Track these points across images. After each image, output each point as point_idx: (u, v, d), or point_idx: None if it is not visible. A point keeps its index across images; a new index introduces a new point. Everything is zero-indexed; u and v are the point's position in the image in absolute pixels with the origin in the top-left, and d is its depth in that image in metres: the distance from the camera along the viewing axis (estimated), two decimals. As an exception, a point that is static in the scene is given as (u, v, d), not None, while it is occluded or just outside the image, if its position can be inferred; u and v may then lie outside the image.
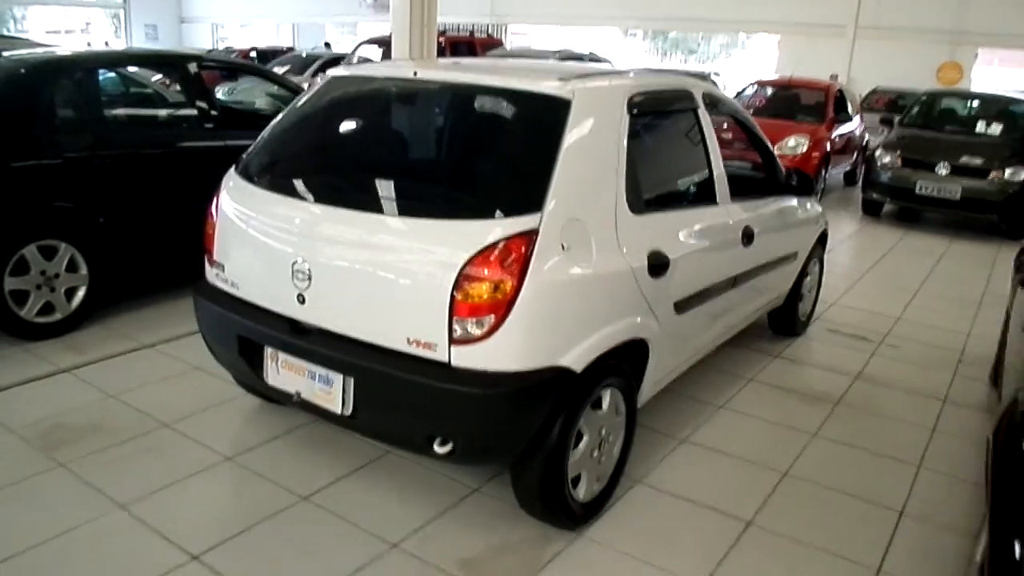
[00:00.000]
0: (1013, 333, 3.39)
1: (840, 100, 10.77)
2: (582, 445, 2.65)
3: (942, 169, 8.32)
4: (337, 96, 3.14)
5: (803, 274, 4.70)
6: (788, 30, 17.72)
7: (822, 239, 4.92)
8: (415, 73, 2.90)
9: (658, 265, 2.81)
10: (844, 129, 10.61)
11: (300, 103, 3.14)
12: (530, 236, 2.32)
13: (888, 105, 14.70)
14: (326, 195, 2.70)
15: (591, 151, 2.61)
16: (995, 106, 9.78)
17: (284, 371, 2.74)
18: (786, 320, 4.81)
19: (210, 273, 3.01)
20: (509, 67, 3.72)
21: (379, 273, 2.46)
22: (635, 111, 2.85)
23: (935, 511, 3.10)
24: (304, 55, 16.36)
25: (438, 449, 2.43)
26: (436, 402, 2.40)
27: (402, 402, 2.47)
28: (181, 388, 3.75)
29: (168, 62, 5.41)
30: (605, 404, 2.72)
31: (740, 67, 23.39)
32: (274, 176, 2.92)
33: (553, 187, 2.40)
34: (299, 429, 3.38)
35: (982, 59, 16.92)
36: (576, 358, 2.47)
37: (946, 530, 2.98)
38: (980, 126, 9.35)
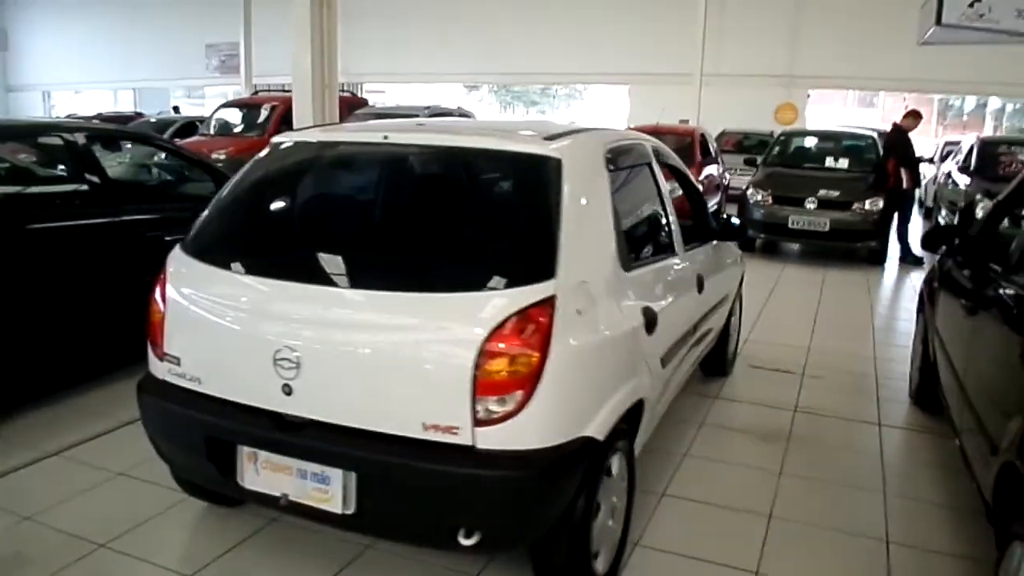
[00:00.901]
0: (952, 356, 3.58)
1: (704, 143, 11.42)
2: (600, 515, 2.52)
3: (810, 204, 8.93)
4: (295, 164, 2.91)
5: (730, 314, 4.83)
6: (638, 80, 18.69)
7: (742, 279, 5.10)
8: (385, 137, 2.73)
9: (650, 321, 2.76)
10: (709, 170, 11.24)
11: (250, 174, 2.88)
12: (549, 304, 2.21)
13: (736, 146, 15.77)
14: (310, 274, 2.45)
15: (586, 210, 2.54)
16: (841, 141, 10.66)
17: (266, 472, 2.44)
18: (717, 361, 4.90)
19: (159, 368, 2.66)
20: (472, 128, 3.61)
21: (386, 355, 2.26)
22: (611, 167, 2.81)
23: (917, 536, 3.18)
24: (154, 120, 15.52)
25: (464, 541, 2.23)
26: (461, 490, 2.21)
27: (420, 494, 2.25)
28: (108, 500, 3.29)
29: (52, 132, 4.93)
30: (615, 470, 2.62)
31: (582, 117, 24.25)
32: (238, 256, 2.63)
33: (561, 250, 2.31)
34: (260, 532, 3.04)
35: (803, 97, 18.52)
36: (599, 426, 2.35)
37: (934, 554, 3.06)
38: (831, 161, 10.13)
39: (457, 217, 2.60)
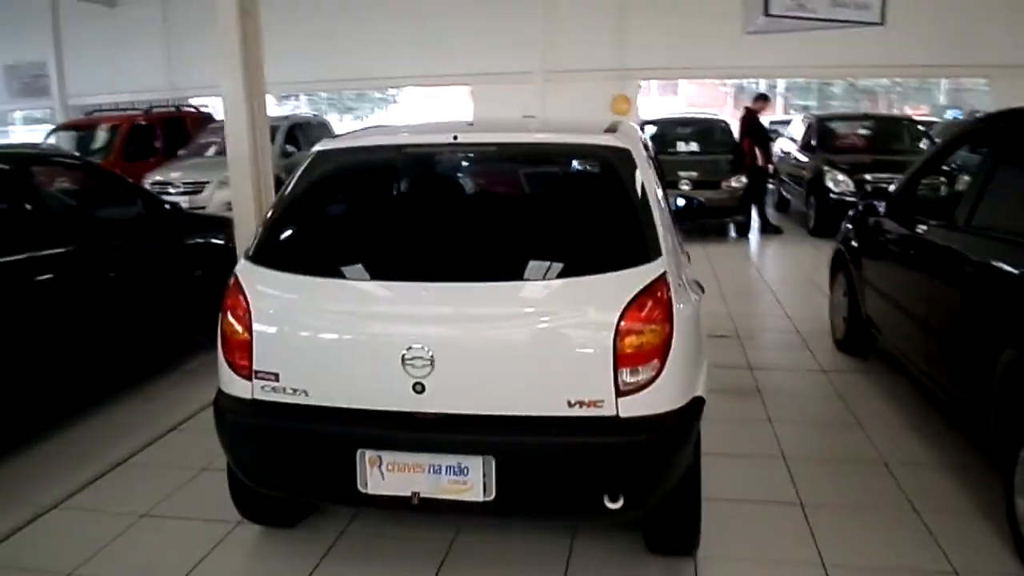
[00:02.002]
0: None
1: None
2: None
3: (684, 185, 9.63)
4: (368, 168, 2.89)
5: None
6: (480, 80, 19.04)
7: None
8: (455, 137, 2.79)
9: (701, 290, 3.03)
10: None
11: (313, 180, 2.83)
12: (664, 280, 2.41)
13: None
14: (430, 273, 2.49)
15: (655, 193, 2.75)
16: (698, 127, 11.53)
17: (392, 474, 2.45)
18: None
19: (243, 387, 2.57)
20: (527, 125, 3.66)
21: (526, 342, 2.36)
22: (649, 156, 3.05)
23: (904, 455, 3.67)
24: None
25: (611, 506, 2.37)
26: (608, 457, 2.36)
27: (566, 467, 2.38)
28: (147, 544, 3.09)
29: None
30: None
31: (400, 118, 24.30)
32: (339, 263, 2.60)
33: (658, 231, 2.52)
34: (336, 546, 3.00)
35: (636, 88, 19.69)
36: (702, 385, 2.59)
37: (924, 467, 3.55)
38: (694, 145, 10.95)
39: (555, 207, 2.73)
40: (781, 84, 33.00)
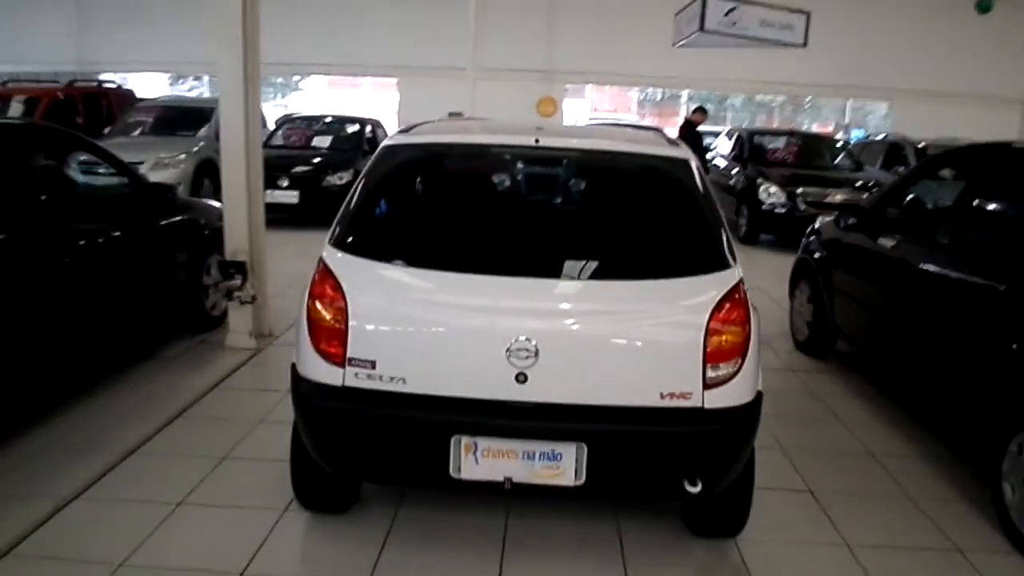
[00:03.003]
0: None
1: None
2: None
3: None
4: (454, 164, 2.98)
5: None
6: (409, 73, 18.96)
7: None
8: (537, 141, 2.92)
9: None
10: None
11: (397, 170, 2.90)
12: (741, 284, 2.65)
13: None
14: (534, 269, 2.61)
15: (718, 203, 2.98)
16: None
17: (487, 460, 2.58)
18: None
19: (333, 374, 2.62)
20: (600, 132, 3.75)
21: (621, 338, 2.53)
22: None
23: (886, 447, 4.07)
24: None
25: (691, 489, 2.58)
26: (693, 445, 2.57)
27: (653, 454, 2.57)
28: (194, 531, 3.08)
29: None
30: None
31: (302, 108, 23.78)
32: (437, 255, 2.69)
33: (730, 239, 2.75)
34: (394, 531, 3.08)
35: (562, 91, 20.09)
36: (760, 381, 2.83)
37: (905, 459, 3.95)
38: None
39: (637, 213, 2.90)
40: (684, 94, 34.43)
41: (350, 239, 2.75)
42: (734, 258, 2.70)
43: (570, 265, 2.66)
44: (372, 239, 2.77)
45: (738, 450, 2.67)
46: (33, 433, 3.85)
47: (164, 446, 3.82)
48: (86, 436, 3.87)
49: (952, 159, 4.90)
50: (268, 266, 5.57)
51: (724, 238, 2.73)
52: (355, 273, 2.65)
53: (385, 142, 3.04)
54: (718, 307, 2.55)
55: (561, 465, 2.56)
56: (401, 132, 3.13)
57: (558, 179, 3.22)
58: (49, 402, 4.12)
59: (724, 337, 2.55)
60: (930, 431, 4.23)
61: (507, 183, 3.20)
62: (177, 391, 4.48)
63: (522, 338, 2.48)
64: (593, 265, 2.67)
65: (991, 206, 3.88)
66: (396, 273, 2.65)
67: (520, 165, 3.19)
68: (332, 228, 2.82)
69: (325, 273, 2.66)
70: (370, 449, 2.67)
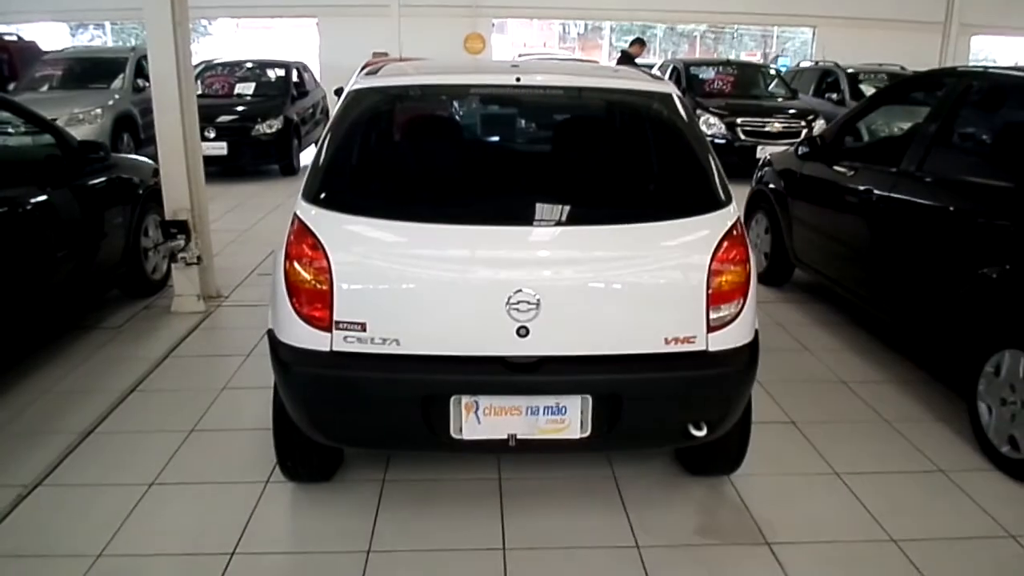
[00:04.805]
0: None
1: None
2: None
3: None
4: (427, 108, 2.78)
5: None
6: (328, 12, 18.14)
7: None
8: (518, 79, 2.73)
9: None
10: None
11: (367, 120, 2.69)
12: (739, 222, 2.57)
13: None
14: (528, 217, 2.47)
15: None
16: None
17: (488, 418, 2.48)
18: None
19: (319, 339, 2.45)
20: (575, 68, 3.55)
21: (624, 284, 2.44)
22: None
23: (862, 374, 4.14)
24: None
25: (696, 433, 2.54)
26: (698, 388, 2.52)
27: (660, 400, 2.52)
28: (175, 512, 2.91)
29: None
30: None
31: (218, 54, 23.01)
32: (424, 207, 2.51)
33: (723, 177, 2.66)
34: (385, 495, 2.97)
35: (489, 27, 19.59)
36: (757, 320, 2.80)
37: (882, 383, 4.03)
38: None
39: (627, 152, 2.77)
40: (606, 27, 34.15)
41: (324, 194, 2.55)
42: (729, 196, 2.61)
43: (567, 211, 2.53)
44: (349, 192, 2.59)
45: (742, 391, 2.63)
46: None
47: (124, 423, 3.59)
48: (36, 418, 3.62)
49: (914, 86, 4.89)
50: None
51: (718, 176, 2.64)
52: (335, 229, 2.46)
53: (352, 86, 2.81)
54: (718, 247, 2.47)
55: (566, 418, 2.48)
56: (368, 75, 2.91)
57: (541, 119, 3.05)
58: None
59: (725, 278, 2.48)
60: (898, 356, 4.32)
61: (488, 126, 3.03)
62: (128, 363, 4.22)
63: (523, 290, 2.36)
64: (590, 210, 2.55)
65: (965, 131, 3.89)
66: (386, 229, 2.47)
67: (498, 107, 3.01)
68: (305, 182, 2.61)
69: (302, 231, 2.46)
70: (365, 416, 2.54)
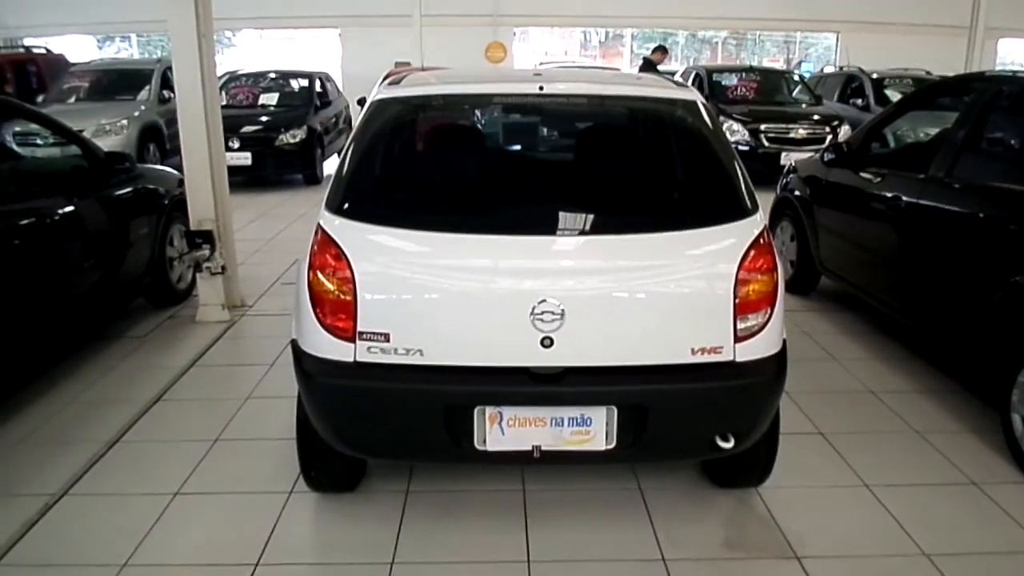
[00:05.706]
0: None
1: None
2: None
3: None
4: (451, 117, 2.77)
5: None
6: (351, 23, 18.28)
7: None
8: (541, 88, 2.72)
9: None
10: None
11: (392, 127, 2.69)
12: (766, 231, 2.54)
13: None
14: (553, 226, 2.46)
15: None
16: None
17: (513, 429, 2.46)
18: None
19: (343, 350, 2.44)
20: (598, 76, 3.55)
21: (650, 294, 2.41)
22: None
23: (892, 384, 4.07)
24: None
25: (723, 445, 2.50)
26: (726, 400, 2.49)
27: (687, 411, 2.48)
28: (199, 522, 2.92)
29: None
30: None
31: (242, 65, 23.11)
32: (449, 217, 2.51)
33: (749, 185, 2.63)
34: (409, 505, 2.96)
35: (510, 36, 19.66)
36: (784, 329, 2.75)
37: (911, 394, 3.96)
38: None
39: (652, 161, 2.75)
40: (627, 34, 34.14)
41: (348, 204, 2.55)
42: (756, 204, 2.58)
43: (591, 220, 2.51)
44: (373, 203, 2.59)
45: (770, 402, 2.59)
46: (6, 424, 3.61)
47: (149, 432, 3.61)
48: (62, 427, 3.65)
49: (942, 91, 4.82)
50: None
51: (745, 183, 2.61)
52: (358, 240, 2.46)
53: (374, 96, 2.82)
54: (745, 256, 2.44)
55: (591, 429, 2.46)
56: (390, 85, 2.91)
57: (564, 128, 3.03)
58: (10, 394, 3.83)
59: (753, 287, 2.44)
60: (927, 365, 4.25)
61: (511, 135, 3.01)
62: (153, 372, 4.25)
63: (547, 300, 2.34)
64: (615, 220, 2.52)
65: (994, 136, 3.83)
66: (409, 240, 2.46)
67: (520, 115, 3.00)
68: (328, 193, 2.62)
69: (326, 241, 2.46)
70: (388, 427, 2.53)
